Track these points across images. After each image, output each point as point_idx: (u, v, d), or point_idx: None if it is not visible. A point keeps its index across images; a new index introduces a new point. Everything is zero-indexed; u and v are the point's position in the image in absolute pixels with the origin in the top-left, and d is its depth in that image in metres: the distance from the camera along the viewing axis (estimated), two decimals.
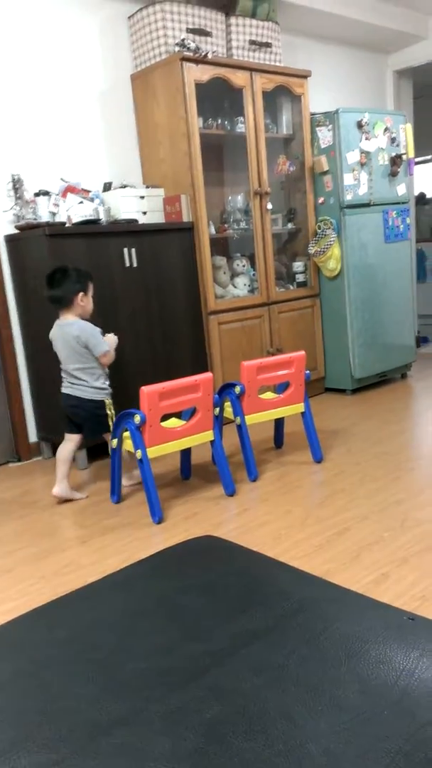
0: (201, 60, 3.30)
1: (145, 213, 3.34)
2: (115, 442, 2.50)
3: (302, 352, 2.84)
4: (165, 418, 2.49)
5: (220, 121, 3.62)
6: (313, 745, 0.75)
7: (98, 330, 2.59)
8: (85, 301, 2.60)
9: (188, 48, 3.29)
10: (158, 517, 2.38)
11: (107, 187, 3.33)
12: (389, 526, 2.20)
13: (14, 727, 0.82)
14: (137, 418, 2.31)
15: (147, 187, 3.46)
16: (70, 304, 2.57)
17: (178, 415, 2.59)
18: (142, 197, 3.34)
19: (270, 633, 0.97)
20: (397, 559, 1.97)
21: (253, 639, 0.95)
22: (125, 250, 3.11)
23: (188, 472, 2.82)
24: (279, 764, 0.72)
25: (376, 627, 0.99)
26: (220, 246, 3.81)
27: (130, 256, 3.13)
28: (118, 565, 1.28)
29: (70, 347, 2.56)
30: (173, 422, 2.54)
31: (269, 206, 3.72)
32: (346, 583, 1.73)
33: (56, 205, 3.04)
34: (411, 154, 4.21)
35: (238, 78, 3.50)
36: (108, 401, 2.64)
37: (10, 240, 3.12)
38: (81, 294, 2.57)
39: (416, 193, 6.20)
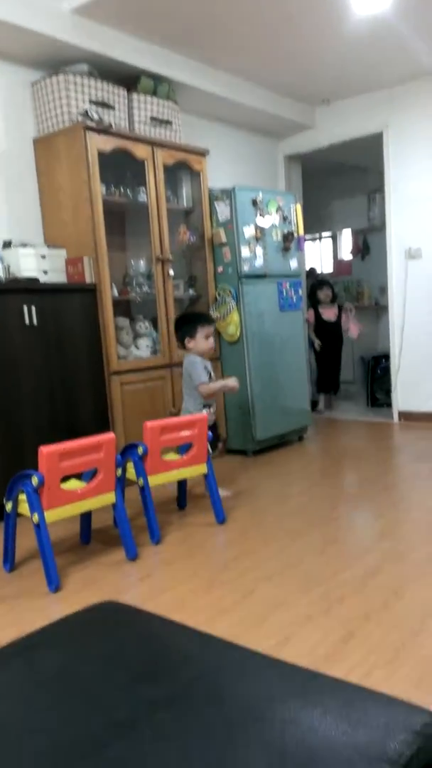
0: (103, 130, 3.42)
1: (46, 272, 3.32)
2: (9, 505, 2.36)
3: (204, 414, 2.87)
4: (64, 479, 2.40)
5: (122, 189, 3.72)
6: None
7: (199, 364, 3.11)
8: (192, 344, 3.15)
9: (91, 118, 3.40)
10: (55, 585, 2.24)
11: (7, 244, 3.29)
12: (292, 587, 2.21)
13: None
14: (35, 480, 2.20)
15: (49, 247, 3.46)
16: (181, 345, 3.23)
17: (79, 476, 2.51)
18: (44, 256, 3.33)
19: (174, 701, 0.93)
20: (300, 620, 1.97)
21: (156, 708, 0.91)
22: (25, 307, 3.06)
23: (88, 536, 2.71)
24: None
25: (279, 687, 0.98)
26: (123, 308, 3.85)
27: (30, 315, 3.08)
28: (11, 639, 1.18)
29: (184, 375, 3.18)
30: (73, 484, 2.45)
31: (171, 273, 3.83)
32: (250, 646, 1.70)
33: None
34: (301, 231, 4.52)
35: (140, 150, 3.65)
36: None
37: None
38: (188, 338, 3.16)
39: (306, 267, 6.64)
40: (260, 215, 4.13)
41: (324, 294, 5.66)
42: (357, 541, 2.63)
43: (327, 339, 5.65)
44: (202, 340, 3.15)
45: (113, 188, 3.66)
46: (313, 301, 5.71)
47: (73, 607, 1.36)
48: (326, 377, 5.76)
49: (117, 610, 1.33)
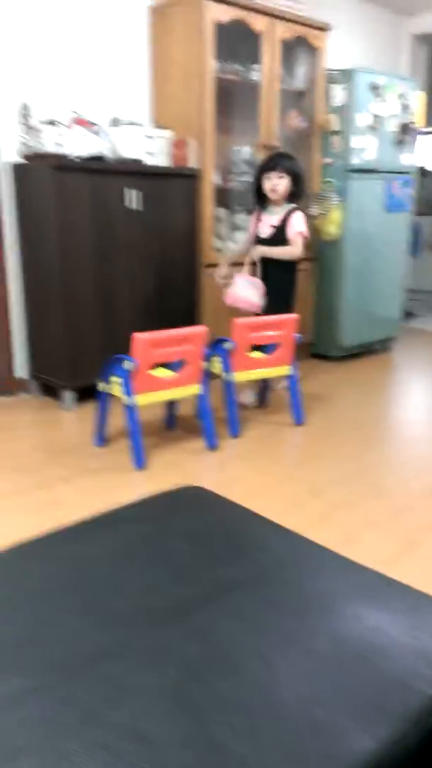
0: None
1: (151, 154, 3.25)
2: (103, 386, 2.50)
3: (294, 315, 2.85)
4: (153, 367, 2.50)
5: (235, 65, 3.50)
6: (285, 688, 0.80)
7: None
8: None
9: None
10: (141, 463, 2.42)
11: (115, 122, 3.23)
12: (360, 492, 2.27)
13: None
14: (128, 364, 2.31)
15: (156, 127, 3.36)
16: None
17: (167, 366, 2.60)
18: (150, 137, 3.25)
19: (251, 583, 1.01)
20: (366, 523, 2.04)
21: (235, 587, 1.00)
22: (127, 191, 3.05)
23: (172, 422, 2.85)
24: (252, 704, 0.77)
25: (350, 585, 1.04)
26: (223, 197, 3.75)
27: (132, 198, 3.07)
28: (102, 507, 1.31)
29: None
30: (162, 372, 2.55)
31: None
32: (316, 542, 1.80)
33: (61, 135, 2.95)
34: (420, 122, 4.14)
35: (259, 22, 3.38)
36: None
37: (16, 169, 3.03)
38: None
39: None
40: (378, 102, 3.80)
41: None
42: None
43: None
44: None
45: (226, 64, 3.44)
46: None
47: (157, 486, 1.47)
48: None
49: (199, 494, 1.43)
